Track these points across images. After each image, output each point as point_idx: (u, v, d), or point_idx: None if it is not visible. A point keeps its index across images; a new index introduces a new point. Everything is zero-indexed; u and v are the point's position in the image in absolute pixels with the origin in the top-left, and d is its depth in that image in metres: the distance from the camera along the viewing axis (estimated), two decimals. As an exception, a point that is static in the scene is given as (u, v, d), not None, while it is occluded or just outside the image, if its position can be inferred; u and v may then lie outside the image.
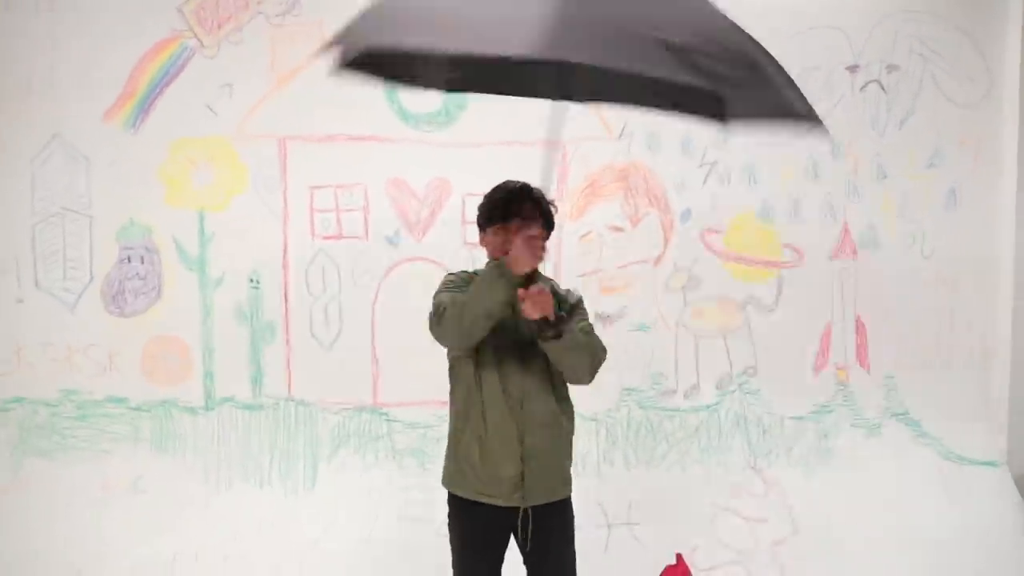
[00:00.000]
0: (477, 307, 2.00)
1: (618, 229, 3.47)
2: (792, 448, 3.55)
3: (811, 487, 3.50)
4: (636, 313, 3.48)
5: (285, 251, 3.46)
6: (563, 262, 3.44)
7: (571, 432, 2.27)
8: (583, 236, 3.47)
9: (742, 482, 3.48)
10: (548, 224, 2.17)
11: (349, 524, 3.25)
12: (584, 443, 3.37)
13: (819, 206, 3.54)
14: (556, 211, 2.19)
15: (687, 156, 3.54)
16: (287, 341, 3.46)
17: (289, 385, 3.46)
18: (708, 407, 3.54)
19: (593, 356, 2.16)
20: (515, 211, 2.12)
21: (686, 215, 3.54)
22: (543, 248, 2.01)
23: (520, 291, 1.96)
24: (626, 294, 3.45)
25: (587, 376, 2.16)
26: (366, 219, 3.43)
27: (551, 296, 2.00)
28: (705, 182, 3.53)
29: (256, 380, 3.43)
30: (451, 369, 2.25)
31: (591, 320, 2.31)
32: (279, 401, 3.46)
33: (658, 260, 3.49)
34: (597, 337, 2.21)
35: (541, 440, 2.15)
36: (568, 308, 2.08)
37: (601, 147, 3.47)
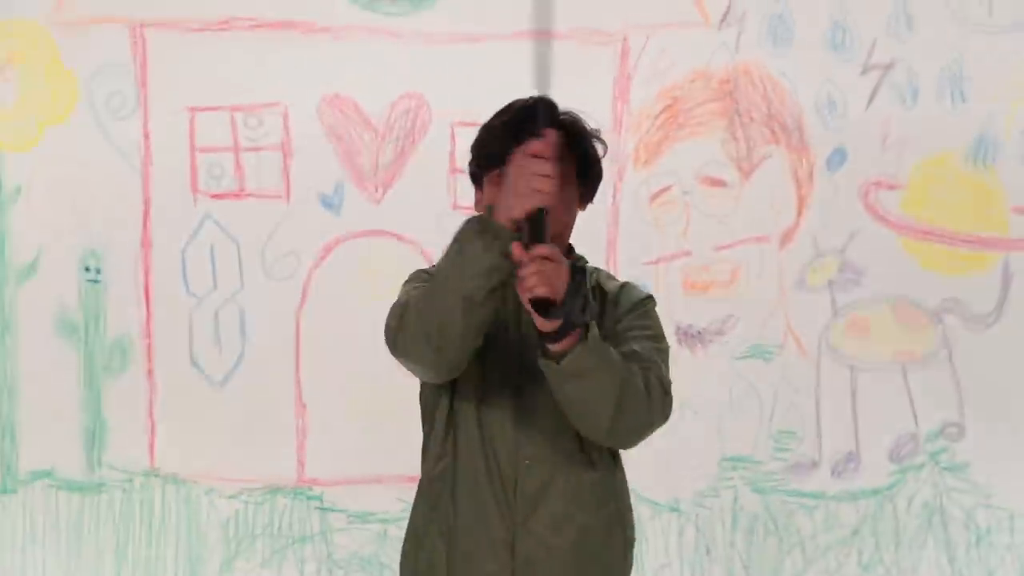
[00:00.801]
0: (448, 290, 1.60)
1: (717, 183, 2.90)
2: (1031, 571, 2.95)
3: (1066, 643, 2.90)
4: (748, 328, 2.89)
5: (145, 219, 2.88)
6: (619, 239, 2.88)
7: (624, 540, 1.78)
8: (656, 196, 2.89)
9: (941, 628, 2.92)
10: (585, 170, 1.75)
11: None
12: (656, 550, 2.90)
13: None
14: (605, 150, 1.78)
15: (840, 54, 2.88)
16: (148, 373, 2.84)
17: (151, 450, 2.86)
18: (877, 492, 2.89)
19: (626, 393, 1.64)
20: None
21: (838, 157, 2.89)
22: (562, 194, 1.61)
23: (515, 247, 1.54)
24: (730, 295, 2.88)
25: (606, 423, 1.64)
26: (286, 165, 2.85)
27: (565, 268, 1.57)
28: (872, 100, 2.87)
29: (92, 441, 2.81)
30: (422, 412, 1.86)
31: (661, 345, 1.80)
32: (132, 477, 2.82)
33: (788, 236, 2.89)
34: (659, 370, 1.71)
35: (550, 551, 1.68)
36: (618, 315, 1.75)
37: (690, 40, 2.86)
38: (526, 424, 1.72)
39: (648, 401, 1.69)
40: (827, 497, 2.84)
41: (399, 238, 2.84)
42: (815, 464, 2.82)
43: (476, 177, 1.79)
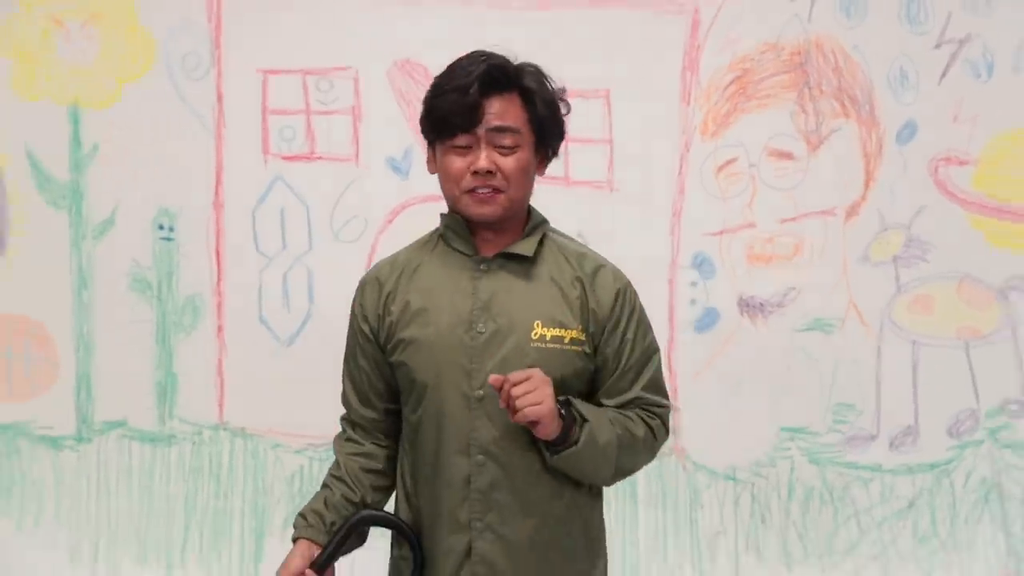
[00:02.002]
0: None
1: (785, 155, 2.83)
2: (1092, 548, 2.85)
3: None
4: (810, 301, 2.83)
5: (218, 180, 2.85)
6: (684, 210, 2.82)
7: (584, 528, 1.70)
8: (723, 167, 2.83)
9: (994, 603, 2.86)
10: (542, 130, 1.65)
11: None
12: (711, 517, 2.86)
13: None
14: (567, 109, 1.69)
15: (914, 27, 2.82)
16: (219, 331, 2.80)
17: (220, 405, 2.84)
18: (934, 467, 2.85)
19: (623, 458, 1.64)
20: (460, 116, 1.60)
21: (908, 132, 2.83)
22: (516, 160, 1.63)
23: (492, 379, 1.51)
24: (794, 267, 2.83)
25: (606, 482, 1.70)
26: (356, 129, 2.82)
27: (545, 382, 1.53)
28: (945, 74, 2.81)
29: (164, 395, 2.80)
30: None
31: (653, 349, 1.74)
32: (201, 430, 2.80)
33: (853, 211, 2.84)
34: (663, 410, 1.70)
35: (507, 546, 1.63)
36: (601, 302, 1.65)
37: (762, 11, 2.80)
38: (479, 419, 1.64)
39: (650, 449, 1.68)
40: (884, 470, 2.80)
41: None
42: (873, 437, 2.78)
43: (429, 142, 1.69)
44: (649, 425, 1.67)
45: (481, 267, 1.64)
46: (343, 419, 1.77)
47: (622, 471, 1.68)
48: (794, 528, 2.76)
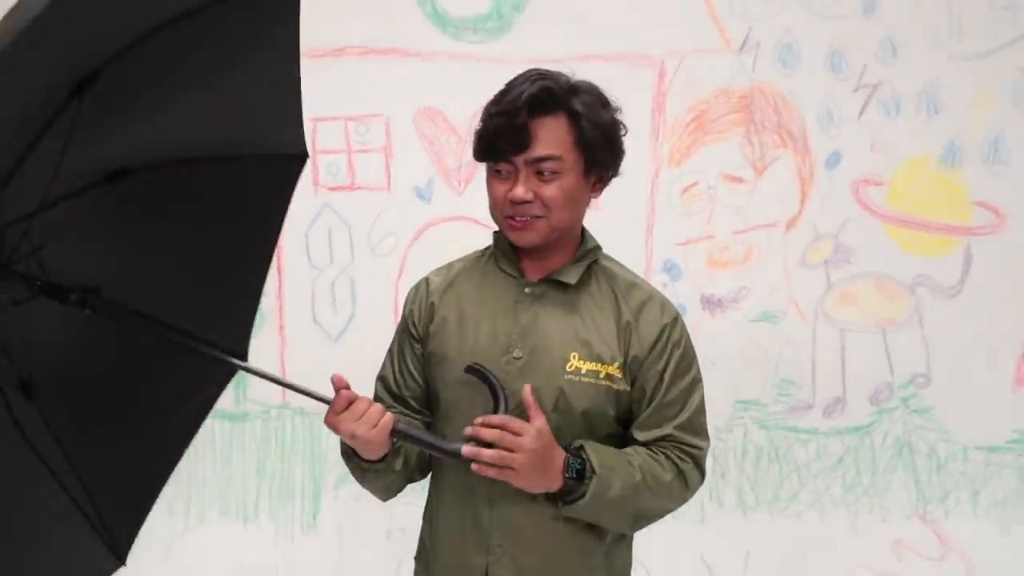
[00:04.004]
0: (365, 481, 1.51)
1: (736, 179, 2.89)
2: (980, 492, 2.92)
3: (1008, 547, 2.91)
4: (758, 297, 2.90)
5: None
6: (656, 225, 2.87)
7: (612, 544, 1.51)
8: (686, 189, 2.89)
9: (906, 537, 2.90)
10: (591, 154, 1.42)
11: (363, 576, 2.87)
12: None
13: (1030, 148, 2.87)
14: (625, 131, 1.46)
15: (837, 75, 2.88)
16: (280, 328, 2.88)
17: (283, 390, 2.52)
18: (858, 429, 2.91)
19: (642, 506, 1.43)
20: (505, 141, 1.38)
21: (834, 160, 2.90)
22: (563, 183, 1.38)
23: (465, 450, 1.31)
24: (745, 270, 2.89)
25: (625, 532, 1.50)
26: (388, 164, 2.88)
27: (530, 446, 1.30)
28: (863, 112, 2.88)
29: (239, 380, 2.75)
30: None
31: (696, 387, 1.56)
32: (270, 409, 2.88)
33: (792, 223, 2.89)
34: (698, 451, 1.47)
35: (528, 532, 1.43)
36: (643, 340, 1.42)
37: (714, 63, 2.86)
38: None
39: (677, 494, 1.44)
40: (819, 433, 2.89)
41: (476, 222, 2.81)
42: (810, 407, 2.90)
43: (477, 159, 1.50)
44: (680, 469, 1.43)
45: (526, 291, 1.44)
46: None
47: (644, 517, 1.45)
48: (747, 481, 2.89)
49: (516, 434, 1.29)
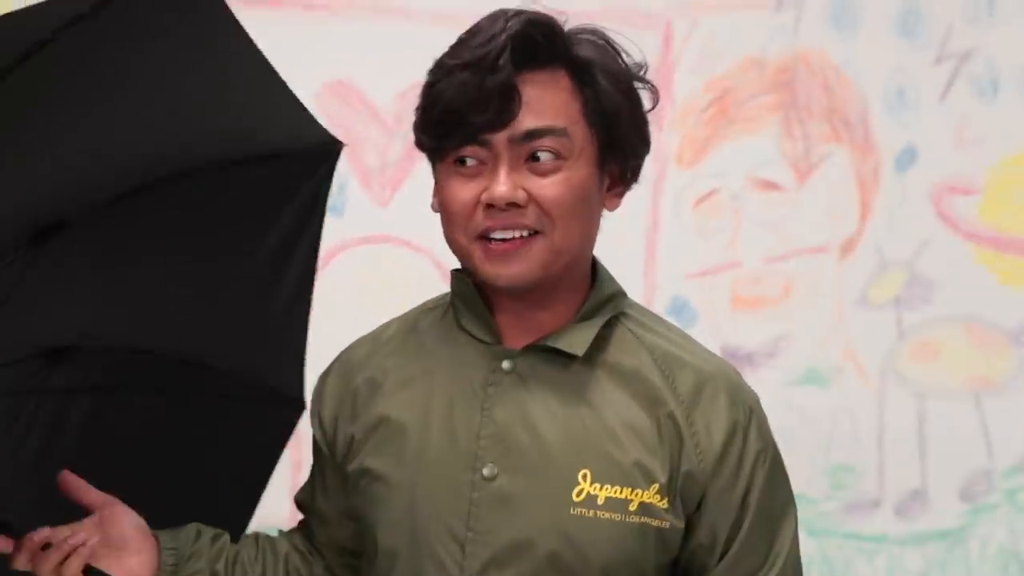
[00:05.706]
0: None
1: (771, 186, 2.68)
2: None
3: None
4: (802, 350, 2.68)
5: None
6: (659, 249, 2.66)
7: None
8: (702, 200, 2.68)
9: None
10: (609, 132, 1.06)
11: None
12: None
13: None
14: (655, 101, 1.16)
15: (912, 41, 2.64)
16: None
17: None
18: (945, 535, 2.67)
19: None
20: (483, 105, 1.01)
21: (907, 158, 2.65)
22: (568, 182, 1.06)
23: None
24: (784, 312, 2.68)
25: None
26: None
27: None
28: (947, 93, 2.64)
29: None
30: None
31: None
32: None
33: (849, 247, 2.68)
34: None
35: None
36: (705, 448, 1.08)
37: (741, 23, 2.64)
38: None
39: None
40: (890, 540, 2.62)
41: (408, 245, 2.61)
42: (876, 503, 2.61)
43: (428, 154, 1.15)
44: None
45: (504, 366, 1.09)
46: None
47: None
48: (792, 608, 2.53)
49: None
